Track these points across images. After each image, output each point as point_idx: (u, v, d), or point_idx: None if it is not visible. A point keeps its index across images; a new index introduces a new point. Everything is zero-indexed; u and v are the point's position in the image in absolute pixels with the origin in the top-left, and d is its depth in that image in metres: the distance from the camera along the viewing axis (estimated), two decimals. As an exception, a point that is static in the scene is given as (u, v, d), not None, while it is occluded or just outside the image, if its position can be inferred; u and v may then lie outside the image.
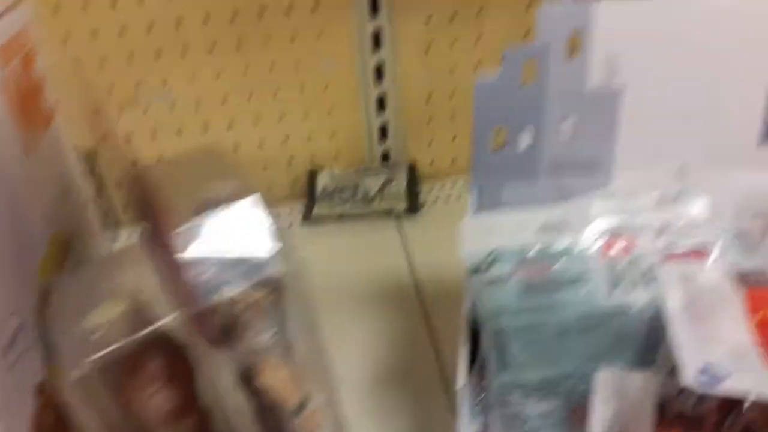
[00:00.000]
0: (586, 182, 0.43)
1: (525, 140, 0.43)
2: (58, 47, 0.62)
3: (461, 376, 0.39)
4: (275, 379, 0.30)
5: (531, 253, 0.38)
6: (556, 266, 0.38)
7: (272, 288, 0.29)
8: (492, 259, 0.38)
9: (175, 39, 0.64)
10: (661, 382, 0.36)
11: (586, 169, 0.43)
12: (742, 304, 0.37)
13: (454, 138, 0.74)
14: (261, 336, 0.29)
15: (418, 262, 0.62)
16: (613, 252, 0.38)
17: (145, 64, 0.65)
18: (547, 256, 0.38)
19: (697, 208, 0.42)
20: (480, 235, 0.39)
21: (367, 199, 0.71)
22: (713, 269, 0.39)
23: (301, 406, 0.31)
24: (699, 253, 0.41)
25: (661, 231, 0.41)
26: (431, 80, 0.70)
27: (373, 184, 0.73)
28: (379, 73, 0.69)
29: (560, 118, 0.42)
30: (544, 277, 0.37)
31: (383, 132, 0.74)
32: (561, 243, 0.38)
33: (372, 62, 0.68)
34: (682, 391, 0.35)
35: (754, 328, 0.36)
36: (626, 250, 0.38)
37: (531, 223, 0.39)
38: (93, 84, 0.65)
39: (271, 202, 0.72)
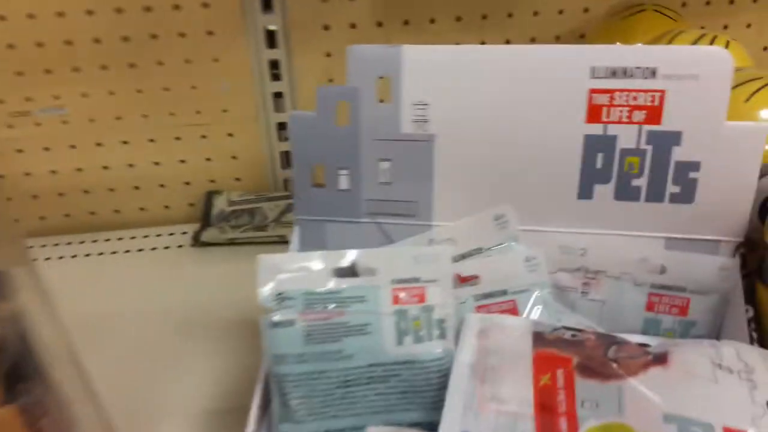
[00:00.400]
0: (406, 229, 0.43)
1: (344, 181, 0.42)
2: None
3: (251, 422, 0.38)
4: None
5: (320, 297, 0.37)
6: (345, 312, 0.37)
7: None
8: (281, 300, 0.37)
9: (67, 56, 0.64)
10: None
11: (404, 214, 0.42)
12: (532, 365, 0.36)
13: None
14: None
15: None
16: (405, 301, 0.37)
17: (35, 80, 0.65)
18: (335, 301, 0.37)
19: (512, 260, 0.41)
20: (275, 274, 0.38)
21: (261, 227, 0.70)
22: (516, 325, 0.38)
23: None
24: (510, 306, 0.40)
25: (470, 282, 0.40)
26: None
27: (270, 211, 0.72)
28: (279, 98, 0.69)
29: (377, 161, 0.42)
30: (331, 323, 0.37)
31: (287, 159, 0.73)
32: (352, 288, 0.37)
33: (270, 89, 0.68)
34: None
35: (538, 391, 0.35)
36: (420, 299, 0.38)
37: (327, 266, 0.38)
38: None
39: (167, 222, 0.72)
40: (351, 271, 0.39)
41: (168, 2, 0.62)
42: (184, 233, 0.72)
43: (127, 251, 0.70)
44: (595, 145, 0.39)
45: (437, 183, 0.42)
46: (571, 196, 0.40)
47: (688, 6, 0.67)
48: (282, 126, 0.71)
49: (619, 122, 0.38)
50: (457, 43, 0.65)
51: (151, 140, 0.70)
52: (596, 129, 0.39)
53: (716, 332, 0.41)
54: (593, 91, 0.38)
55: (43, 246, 0.69)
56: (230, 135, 0.71)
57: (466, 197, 0.41)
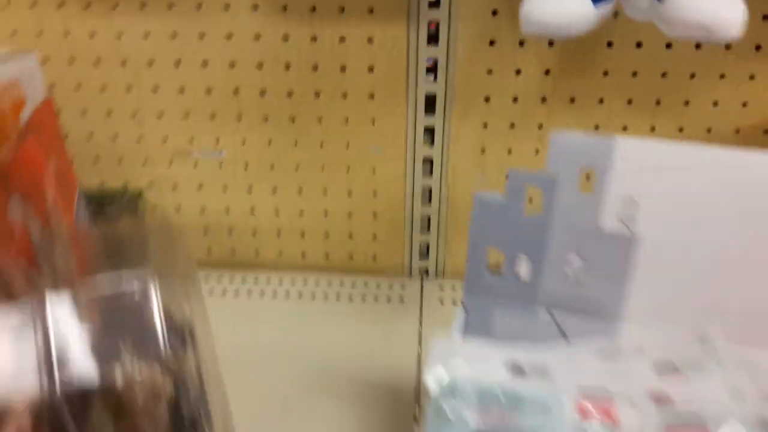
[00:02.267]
0: (587, 328, 0.40)
1: (524, 269, 0.40)
2: (122, 96, 0.66)
3: None
4: None
5: (494, 394, 0.35)
6: (520, 416, 0.34)
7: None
8: (451, 390, 0.35)
9: (233, 104, 0.66)
10: None
11: (589, 314, 0.40)
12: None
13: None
14: None
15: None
16: (589, 415, 0.34)
17: (200, 122, 0.67)
18: (511, 401, 0.35)
19: (711, 385, 0.37)
20: (447, 359, 0.36)
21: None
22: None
23: None
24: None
25: (659, 401, 0.37)
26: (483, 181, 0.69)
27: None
28: (426, 164, 0.68)
29: (566, 254, 0.39)
30: (505, 427, 0.34)
31: (428, 224, 0.72)
32: (531, 389, 0.35)
33: (422, 154, 0.68)
34: None
35: None
36: (606, 415, 0.35)
37: (504, 359, 0.36)
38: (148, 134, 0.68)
39: (303, 269, 0.72)
40: (530, 369, 0.36)
41: (336, 63, 0.63)
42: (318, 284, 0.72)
43: (262, 293, 0.71)
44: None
45: (633, 285, 0.39)
46: (781, 320, 0.37)
47: None
48: (426, 190, 0.70)
49: None
50: (626, 128, 0.63)
51: (300, 190, 0.71)
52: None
53: None
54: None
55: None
56: (374, 194, 0.71)
57: (664, 306, 0.38)
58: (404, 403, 0.55)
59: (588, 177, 0.38)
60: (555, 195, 0.38)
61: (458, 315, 0.43)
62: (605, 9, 0.47)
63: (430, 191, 0.70)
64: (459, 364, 0.36)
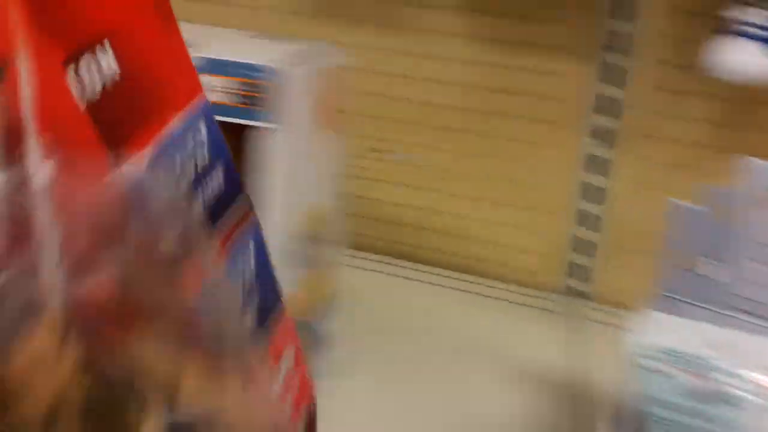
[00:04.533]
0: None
1: (713, 270, 0.48)
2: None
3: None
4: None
5: (699, 362, 0.43)
6: (720, 383, 0.42)
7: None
8: (662, 355, 0.43)
9: (423, 114, 0.77)
10: None
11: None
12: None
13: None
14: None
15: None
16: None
17: (390, 126, 0.79)
18: (713, 370, 0.43)
19: None
20: (652, 330, 0.44)
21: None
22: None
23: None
24: None
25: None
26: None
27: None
28: (587, 190, 0.77)
29: (752, 261, 0.48)
30: (708, 389, 0.42)
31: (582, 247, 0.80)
32: (728, 363, 0.43)
33: (585, 179, 0.76)
34: None
35: None
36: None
37: (702, 336, 0.44)
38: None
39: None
40: (723, 347, 0.44)
41: (518, 88, 0.74)
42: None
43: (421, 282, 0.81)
44: None
45: None
46: None
47: None
48: (581, 214, 0.78)
49: None
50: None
51: (476, 199, 0.81)
52: None
53: None
54: None
55: (364, 260, 0.83)
56: (534, 209, 0.80)
57: None
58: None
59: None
60: (745, 210, 0.47)
61: (650, 306, 0.51)
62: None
63: (593, 217, 0.78)
64: (662, 335, 0.45)
